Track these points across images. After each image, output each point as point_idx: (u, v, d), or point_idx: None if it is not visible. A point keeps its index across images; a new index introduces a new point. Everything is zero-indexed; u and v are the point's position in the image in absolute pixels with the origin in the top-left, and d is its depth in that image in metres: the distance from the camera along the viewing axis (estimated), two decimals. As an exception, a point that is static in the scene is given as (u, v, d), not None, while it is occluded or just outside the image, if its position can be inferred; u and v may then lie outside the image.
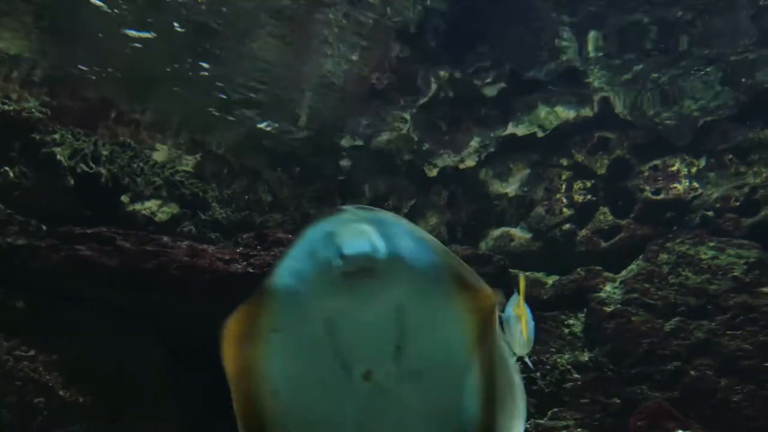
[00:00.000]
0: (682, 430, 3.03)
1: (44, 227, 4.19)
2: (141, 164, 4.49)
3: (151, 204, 5.59)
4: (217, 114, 6.07)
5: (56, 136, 4.11)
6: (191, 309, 4.08)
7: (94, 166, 4.15)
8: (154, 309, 4.07)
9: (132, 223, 4.95)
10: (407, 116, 7.00)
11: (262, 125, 6.36)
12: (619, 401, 4.75)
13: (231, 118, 6.09)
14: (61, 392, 3.46)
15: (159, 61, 5.18)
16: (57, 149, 4.01)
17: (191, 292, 3.93)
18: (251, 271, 3.98)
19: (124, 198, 5.25)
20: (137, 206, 5.47)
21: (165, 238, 4.07)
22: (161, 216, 5.37)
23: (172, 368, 4.50)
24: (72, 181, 4.56)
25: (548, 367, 3.90)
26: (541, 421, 3.37)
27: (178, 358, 4.40)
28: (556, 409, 3.50)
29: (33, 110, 4.18)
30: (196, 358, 4.52)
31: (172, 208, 5.56)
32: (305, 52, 5.78)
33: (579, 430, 3.32)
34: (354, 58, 6.11)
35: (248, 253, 4.15)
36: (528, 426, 3.38)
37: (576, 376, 3.80)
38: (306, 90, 6.54)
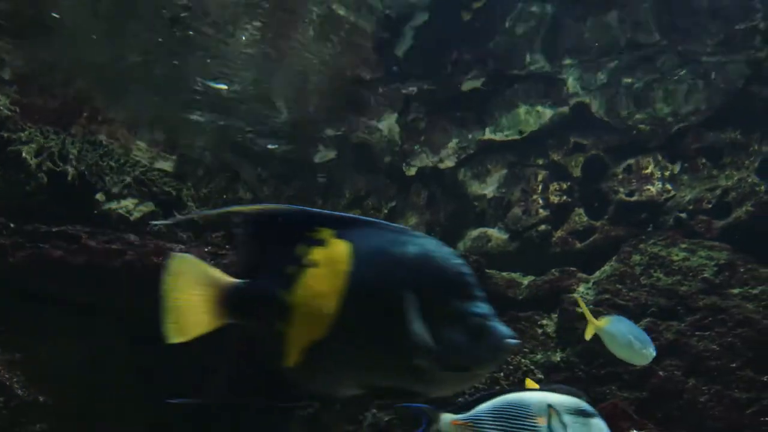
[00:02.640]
0: (636, 430, 3.08)
1: (12, 225, 4.18)
2: (111, 162, 4.48)
3: (128, 203, 5.58)
4: (191, 113, 6.06)
5: (24, 134, 4.10)
6: (159, 308, 4.07)
7: (61, 164, 4.14)
8: (120, 308, 4.06)
9: (107, 223, 4.95)
10: (387, 116, 7.03)
11: (238, 125, 6.34)
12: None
13: (200, 117, 6.09)
14: (20, 392, 3.45)
15: (132, 58, 5.16)
16: (24, 147, 4.00)
17: (158, 291, 3.91)
18: (218, 270, 3.98)
19: (100, 197, 5.24)
20: (113, 205, 5.45)
21: (132, 237, 4.06)
22: (137, 215, 5.36)
23: (140, 368, 4.49)
24: (45, 180, 4.56)
25: (511, 367, 3.94)
26: (502, 421, 3.40)
27: (146, 357, 4.39)
28: (518, 409, 3.54)
29: (1, 108, 4.16)
30: (165, 358, 4.54)
31: (148, 207, 5.55)
32: (283, 50, 5.78)
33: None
34: (332, 55, 6.12)
35: (216, 253, 4.15)
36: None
37: (540, 376, 3.85)
38: (285, 87, 6.54)
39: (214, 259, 4.06)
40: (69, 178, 4.16)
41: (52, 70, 5.07)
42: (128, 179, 4.52)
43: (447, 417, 2.34)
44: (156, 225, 4.35)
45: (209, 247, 4.21)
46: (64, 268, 3.77)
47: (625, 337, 3.46)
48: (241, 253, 1.58)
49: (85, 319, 4.09)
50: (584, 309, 3.55)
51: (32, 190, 4.59)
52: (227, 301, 1.50)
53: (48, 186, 4.62)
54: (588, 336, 3.73)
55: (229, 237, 4.32)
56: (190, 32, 4.93)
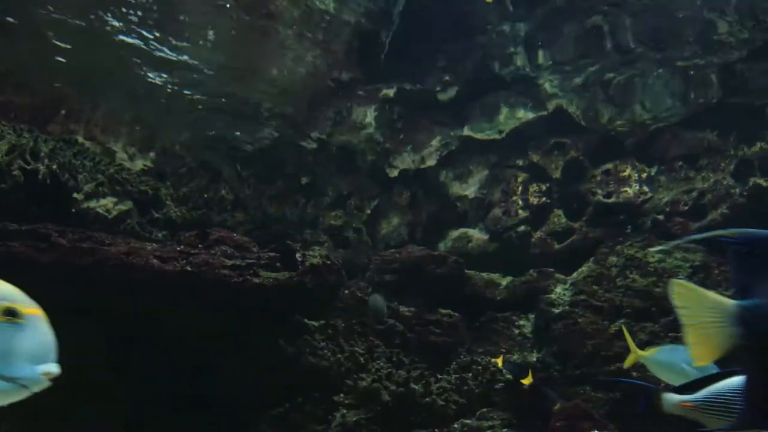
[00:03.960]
0: (597, 430, 3.09)
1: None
2: (84, 161, 4.46)
3: (107, 201, 5.56)
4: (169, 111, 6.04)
5: (-5, 131, 4.07)
6: (128, 307, 4.08)
7: (32, 162, 4.12)
8: (92, 306, 4.04)
9: (83, 221, 4.93)
10: (369, 116, 7.03)
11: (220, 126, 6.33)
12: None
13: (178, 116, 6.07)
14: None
15: (107, 56, 5.14)
16: (-6, 145, 3.98)
17: (126, 289, 3.92)
18: (189, 269, 3.98)
19: (79, 195, 5.22)
20: (92, 203, 5.43)
21: (103, 236, 4.05)
22: (114, 214, 5.34)
23: (115, 366, 4.48)
24: (22, 178, 4.53)
25: (480, 368, 3.95)
26: (468, 421, 3.42)
27: (121, 356, 4.38)
28: (484, 410, 3.56)
29: (-27, 105, 4.13)
30: (139, 356, 4.53)
31: (127, 206, 5.53)
32: (263, 49, 5.77)
33: (505, 430, 3.37)
34: (313, 55, 6.12)
35: (189, 252, 4.15)
36: (456, 426, 3.43)
37: (508, 376, 3.86)
38: (266, 87, 6.53)
39: (185, 258, 4.05)
40: (40, 176, 4.14)
41: (29, 69, 5.04)
42: (102, 178, 4.50)
43: (673, 398, 2.22)
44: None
45: (181, 246, 4.20)
46: (33, 266, 3.75)
47: (678, 366, 3.43)
48: (734, 273, 1.57)
49: (57, 317, 4.08)
50: (627, 338, 3.56)
51: (8, 189, 4.56)
52: (739, 321, 1.48)
53: (24, 184, 4.60)
54: (627, 365, 3.73)
55: (202, 236, 4.31)
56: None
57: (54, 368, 1.45)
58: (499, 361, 4.03)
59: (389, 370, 3.64)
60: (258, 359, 3.98)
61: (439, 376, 3.80)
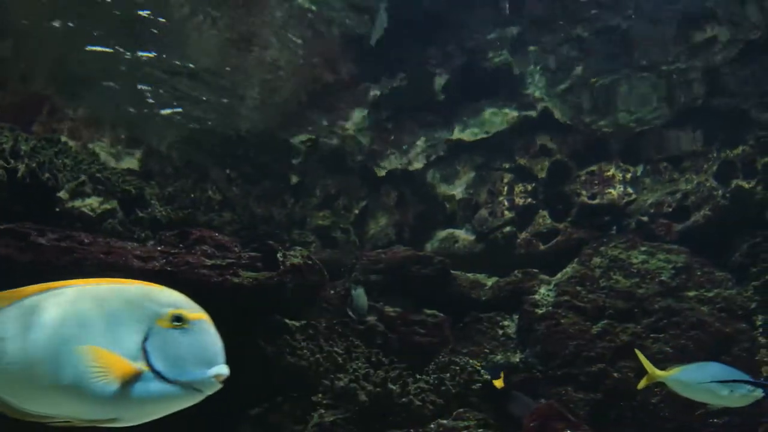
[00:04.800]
0: (570, 430, 3.11)
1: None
2: (65, 160, 4.45)
3: (92, 201, 5.55)
4: (156, 111, 6.04)
5: (-25, 130, 4.06)
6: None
7: (12, 160, 4.11)
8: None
9: (68, 220, 4.92)
10: (357, 116, 7.04)
11: (195, 125, 6.32)
12: (544, 402, 4.83)
13: (167, 112, 6.06)
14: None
15: (90, 53, 5.13)
16: (-26, 144, 3.97)
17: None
18: (169, 269, 3.98)
19: (63, 194, 5.21)
20: (77, 203, 5.42)
21: (83, 235, 4.04)
22: (98, 213, 5.34)
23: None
24: (5, 177, 4.52)
25: (457, 368, 3.96)
26: (444, 422, 3.43)
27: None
28: (461, 410, 3.57)
29: (-46, 104, 4.12)
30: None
31: (112, 205, 5.53)
32: (248, 46, 5.77)
33: (480, 430, 3.39)
34: (300, 53, 6.12)
35: (169, 251, 4.14)
36: (432, 426, 3.44)
37: (486, 377, 3.88)
38: (252, 85, 6.53)
39: (165, 258, 4.05)
40: (19, 174, 4.12)
41: (10, 67, 5.03)
42: (83, 177, 4.49)
43: None
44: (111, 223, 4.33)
45: (162, 246, 4.20)
46: (12, 266, 3.74)
47: (702, 385, 3.38)
48: None
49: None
50: (642, 359, 3.55)
51: (-3, 188, 4.55)
52: None
53: (8, 183, 4.58)
54: (641, 386, 3.72)
55: (183, 236, 4.31)
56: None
57: (224, 370, 1.48)
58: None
59: (367, 370, 3.65)
60: (237, 359, 3.97)
61: (417, 377, 3.80)
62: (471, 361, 4.07)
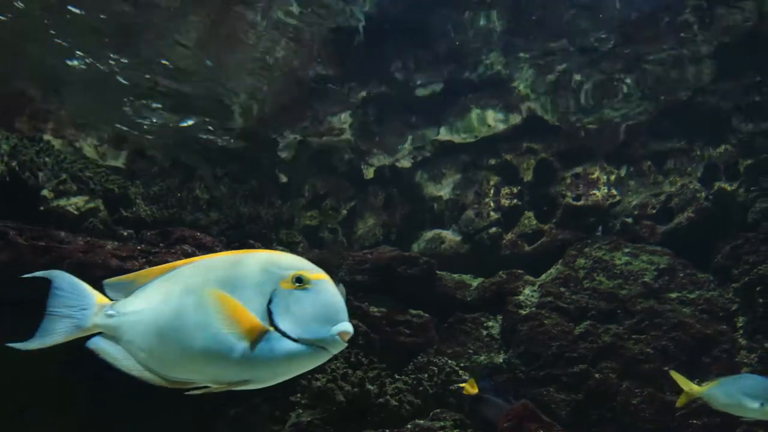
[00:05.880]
0: (543, 431, 3.11)
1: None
2: (46, 158, 4.44)
3: (77, 200, 5.54)
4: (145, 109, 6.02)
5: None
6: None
7: (-9, 160, 4.11)
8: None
9: (50, 220, 4.91)
10: (344, 117, 7.04)
11: (185, 124, 6.31)
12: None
13: (153, 108, 6.05)
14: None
15: (71, 53, 5.11)
16: (-47, 142, 3.96)
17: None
18: (148, 268, 3.97)
19: (48, 194, 5.20)
20: (62, 202, 5.41)
21: (62, 234, 4.03)
22: (80, 212, 5.32)
23: (74, 365, 4.46)
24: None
25: (435, 369, 3.96)
26: (421, 422, 3.43)
27: (78, 354, 4.36)
28: (438, 410, 3.57)
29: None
30: (92, 355, 4.50)
31: (95, 204, 5.52)
32: (234, 46, 5.77)
33: (456, 430, 3.39)
34: (285, 54, 6.12)
35: (149, 251, 4.14)
36: (408, 426, 3.44)
37: (464, 377, 3.87)
38: (239, 85, 6.52)
39: (145, 257, 4.05)
40: (-1, 173, 4.12)
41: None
42: (64, 176, 4.48)
43: None
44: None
45: (142, 245, 4.20)
46: (-10, 265, 3.73)
47: (734, 398, 3.39)
48: None
49: (15, 315, 4.05)
50: (678, 378, 3.55)
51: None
52: None
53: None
54: (680, 404, 3.71)
55: (164, 235, 4.30)
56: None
57: (348, 327, 1.50)
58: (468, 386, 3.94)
59: (345, 370, 3.65)
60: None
61: (396, 377, 3.80)
62: (450, 361, 4.07)
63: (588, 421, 4.80)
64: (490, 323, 5.73)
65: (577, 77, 5.96)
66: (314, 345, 1.47)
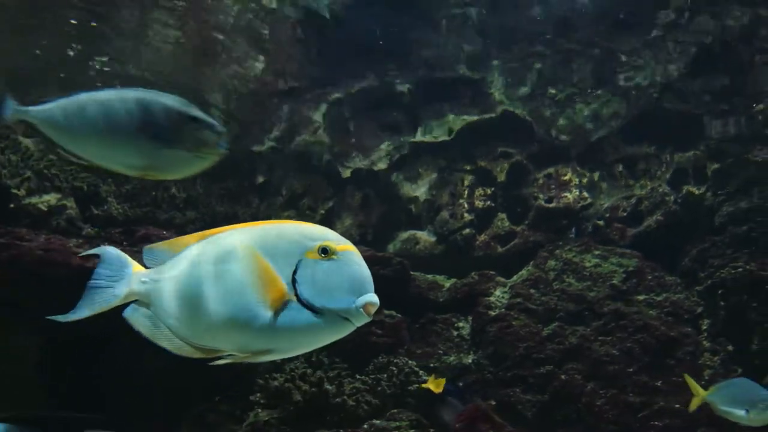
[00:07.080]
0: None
1: None
2: (11, 156, 4.43)
3: (50, 197, 5.52)
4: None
5: None
6: (50, 303, 4.04)
7: (-47, 156, 4.09)
8: (10, 303, 4.01)
9: (18, 218, 4.89)
10: (318, 117, 7.05)
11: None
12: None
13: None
14: None
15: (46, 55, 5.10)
16: None
17: (46, 285, 3.89)
18: (110, 267, 3.96)
19: (20, 192, 5.18)
20: (34, 200, 5.39)
21: (24, 231, 4.02)
22: (46, 210, 5.30)
23: (46, 361, 4.45)
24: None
25: (395, 369, 3.98)
26: (377, 422, 3.45)
27: (42, 353, 4.35)
28: (395, 411, 3.60)
29: None
30: (69, 351, 4.49)
31: (69, 202, 5.50)
32: (206, 49, 5.77)
33: (412, 430, 3.41)
34: (260, 57, 6.13)
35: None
36: (365, 426, 3.45)
37: (425, 377, 3.90)
38: (214, 86, 6.52)
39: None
40: (-40, 171, 4.10)
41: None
42: (28, 173, 4.47)
43: None
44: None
45: (106, 243, 4.19)
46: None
47: (724, 404, 3.41)
48: None
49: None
50: (690, 382, 3.58)
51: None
52: None
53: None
54: (692, 408, 3.73)
55: (128, 233, 4.30)
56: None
57: (373, 298, 1.48)
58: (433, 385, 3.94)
59: (305, 370, 3.66)
60: (177, 359, 3.97)
61: (357, 377, 3.82)
62: (410, 361, 4.09)
63: (554, 422, 4.84)
64: (461, 324, 5.75)
65: (552, 80, 6.00)
66: (338, 316, 1.46)
